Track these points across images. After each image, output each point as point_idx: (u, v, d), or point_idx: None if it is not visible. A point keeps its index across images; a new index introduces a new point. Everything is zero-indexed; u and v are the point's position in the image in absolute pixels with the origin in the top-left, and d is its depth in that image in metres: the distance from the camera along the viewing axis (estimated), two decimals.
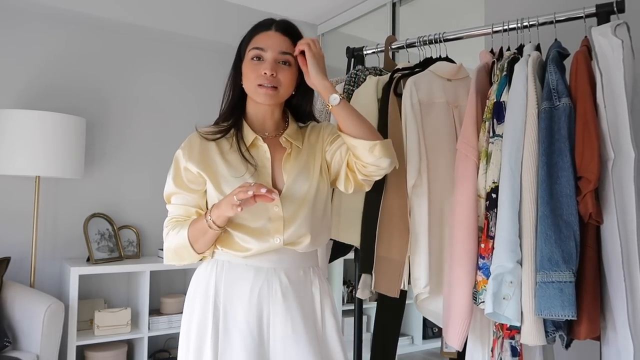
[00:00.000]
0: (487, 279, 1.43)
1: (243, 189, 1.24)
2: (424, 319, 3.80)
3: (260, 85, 1.35)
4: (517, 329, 1.44)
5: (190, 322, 1.40)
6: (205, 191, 1.41)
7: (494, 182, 1.47)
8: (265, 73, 1.34)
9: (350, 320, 3.56)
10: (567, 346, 1.40)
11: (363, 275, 1.83)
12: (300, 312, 1.36)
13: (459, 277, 1.51)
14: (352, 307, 3.61)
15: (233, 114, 1.44)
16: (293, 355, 1.33)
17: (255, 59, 1.37)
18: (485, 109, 1.56)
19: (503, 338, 1.48)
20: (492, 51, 1.78)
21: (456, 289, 1.52)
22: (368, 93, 1.89)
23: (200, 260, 1.43)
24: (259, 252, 1.36)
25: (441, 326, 1.59)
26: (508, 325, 1.46)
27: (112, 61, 3.34)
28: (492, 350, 1.49)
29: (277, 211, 1.36)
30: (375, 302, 1.98)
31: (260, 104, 1.41)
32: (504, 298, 1.36)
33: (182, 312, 3.35)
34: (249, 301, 1.34)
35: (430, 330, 3.90)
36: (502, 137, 1.48)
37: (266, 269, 1.37)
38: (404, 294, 1.83)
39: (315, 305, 1.42)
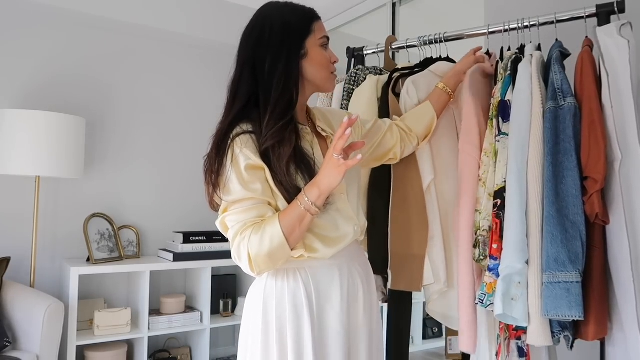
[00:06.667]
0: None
1: (338, 143, 1.13)
2: (424, 319, 3.79)
3: (332, 72, 1.37)
4: (524, 330, 1.43)
5: (267, 334, 1.27)
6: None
7: (503, 181, 1.47)
8: (335, 62, 1.36)
9: None
10: (572, 347, 1.40)
11: (374, 277, 1.82)
12: (372, 300, 1.39)
13: (464, 278, 1.51)
14: None
15: (292, 110, 1.30)
16: (366, 346, 1.34)
17: (324, 46, 1.36)
18: (491, 107, 1.56)
19: (509, 339, 1.48)
20: (487, 52, 1.78)
21: (462, 291, 1.52)
22: (368, 92, 1.88)
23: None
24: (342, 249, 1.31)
25: (456, 329, 1.58)
26: (514, 326, 1.46)
27: (112, 61, 3.34)
28: (497, 355, 1.48)
29: (344, 198, 1.32)
30: (385, 304, 1.97)
31: (309, 94, 1.39)
32: (512, 299, 1.35)
33: (182, 312, 3.30)
34: (341, 299, 1.31)
35: (430, 330, 3.89)
36: (508, 135, 1.48)
37: (346, 264, 1.34)
38: (410, 294, 1.83)
39: (373, 291, 1.43)
